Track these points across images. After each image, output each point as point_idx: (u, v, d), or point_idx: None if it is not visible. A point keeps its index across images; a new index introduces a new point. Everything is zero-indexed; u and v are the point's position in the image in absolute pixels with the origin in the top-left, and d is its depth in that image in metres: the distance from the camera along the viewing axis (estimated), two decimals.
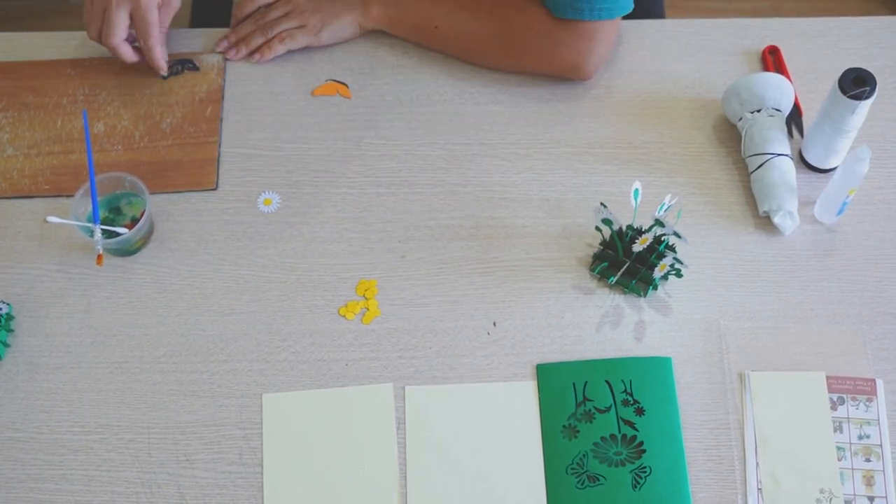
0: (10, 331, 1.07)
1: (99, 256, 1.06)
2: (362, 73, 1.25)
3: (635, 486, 0.98)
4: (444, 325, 1.07)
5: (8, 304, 1.08)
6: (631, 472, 0.98)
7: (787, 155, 1.12)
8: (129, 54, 1.18)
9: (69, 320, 1.08)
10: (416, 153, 1.19)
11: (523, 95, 1.23)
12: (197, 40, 1.28)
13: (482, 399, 1.03)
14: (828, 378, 1.03)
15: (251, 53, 1.25)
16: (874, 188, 1.15)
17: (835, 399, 1.02)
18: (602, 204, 1.04)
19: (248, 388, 1.04)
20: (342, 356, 1.06)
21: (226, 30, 1.28)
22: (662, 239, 1.05)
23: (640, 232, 1.06)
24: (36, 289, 1.10)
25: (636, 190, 1.02)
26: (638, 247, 1.03)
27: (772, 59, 1.25)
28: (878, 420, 1.01)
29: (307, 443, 1.01)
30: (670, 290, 1.09)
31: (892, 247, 1.12)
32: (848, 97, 1.04)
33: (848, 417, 1.01)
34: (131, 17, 1.15)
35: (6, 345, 1.06)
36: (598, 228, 1.07)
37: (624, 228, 1.07)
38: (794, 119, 1.19)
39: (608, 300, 1.09)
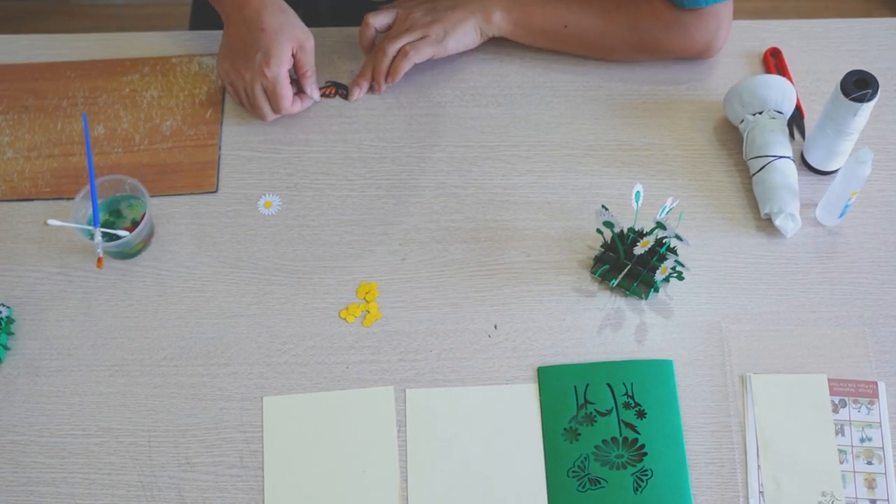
0: (10, 334, 1.06)
1: (99, 259, 1.06)
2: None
3: (637, 490, 0.98)
4: (444, 328, 1.07)
5: (8, 308, 1.07)
6: (632, 475, 0.98)
7: (788, 157, 1.12)
8: (297, 107, 1.19)
9: (69, 323, 1.08)
10: (416, 155, 1.18)
11: (524, 97, 1.23)
12: (196, 42, 1.28)
13: (483, 402, 1.03)
14: (829, 380, 1.03)
15: (380, 81, 1.22)
16: (876, 190, 1.15)
17: (836, 402, 1.02)
18: (603, 206, 1.04)
19: (248, 391, 1.04)
20: (343, 359, 1.05)
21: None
22: (664, 241, 1.05)
23: (641, 234, 1.06)
24: (36, 292, 1.10)
25: (637, 192, 1.02)
26: (640, 249, 1.03)
27: (773, 61, 1.25)
28: (880, 423, 1.01)
29: (308, 446, 1.01)
30: (671, 292, 1.09)
31: (895, 249, 1.12)
32: (850, 100, 1.04)
33: (850, 420, 1.01)
34: (266, 91, 1.15)
35: (6, 348, 1.06)
36: (599, 231, 1.07)
37: (625, 231, 1.07)
38: (796, 121, 1.19)
39: (609, 303, 1.08)
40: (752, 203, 1.14)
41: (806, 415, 1.01)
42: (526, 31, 1.22)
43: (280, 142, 1.20)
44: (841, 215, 1.11)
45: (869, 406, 1.02)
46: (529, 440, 1.01)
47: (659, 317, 1.07)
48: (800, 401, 1.02)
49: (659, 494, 0.97)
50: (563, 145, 1.19)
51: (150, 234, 1.12)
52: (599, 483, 0.98)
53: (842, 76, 1.05)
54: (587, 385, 1.03)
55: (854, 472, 0.99)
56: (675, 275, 1.07)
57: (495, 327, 1.07)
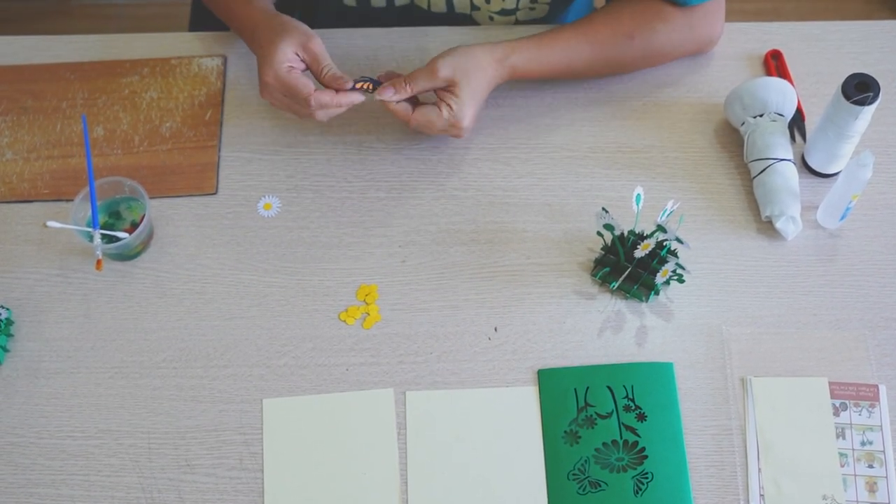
0: (9, 335, 1.06)
1: (98, 261, 1.06)
2: (363, 76, 1.24)
3: (637, 493, 0.97)
4: (444, 330, 1.07)
5: (7, 309, 1.07)
6: (632, 478, 0.98)
7: (789, 160, 1.12)
8: (343, 99, 1.10)
9: (69, 325, 1.08)
10: (416, 157, 1.18)
11: (524, 99, 1.23)
12: (196, 44, 1.28)
13: (483, 404, 1.03)
14: (830, 384, 1.03)
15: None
16: (877, 193, 1.15)
17: (837, 405, 1.02)
18: (603, 209, 1.04)
19: (248, 394, 1.03)
20: (343, 361, 1.05)
21: (224, 33, 1.28)
22: (664, 244, 1.05)
23: (641, 237, 1.06)
24: (35, 293, 1.09)
25: (638, 195, 1.02)
26: (640, 252, 1.03)
27: (774, 64, 1.25)
28: (881, 426, 1.01)
29: (308, 448, 1.01)
30: (672, 295, 1.08)
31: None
32: (851, 102, 1.04)
33: (850, 423, 1.01)
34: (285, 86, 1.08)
35: (6, 350, 1.05)
36: (599, 234, 1.07)
37: (626, 233, 1.07)
38: (797, 124, 1.19)
39: (609, 305, 1.08)
40: (753, 206, 1.14)
41: (807, 418, 1.01)
42: (530, 79, 1.20)
43: (280, 143, 1.20)
44: (842, 218, 1.10)
45: (870, 409, 1.01)
46: (529, 443, 1.01)
47: (659, 319, 1.07)
48: (801, 404, 1.02)
49: (659, 497, 0.97)
50: (563, 147, 1.19)
51: (150, 236, 1.12)
52: (600, 486, 0.98)
53: (843, 78, 1.05)
54: (587, 388, 1.03)
55: (855, 475, 0.99)
56: (675, 277, 1.07)
57: (495, 330, 1.07)
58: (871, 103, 1.04)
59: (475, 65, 1.11)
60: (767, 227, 1.13)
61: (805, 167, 1.16)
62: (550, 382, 1.03)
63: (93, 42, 1.28)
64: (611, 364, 1.04)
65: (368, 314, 1.08)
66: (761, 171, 1.12)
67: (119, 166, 1.18)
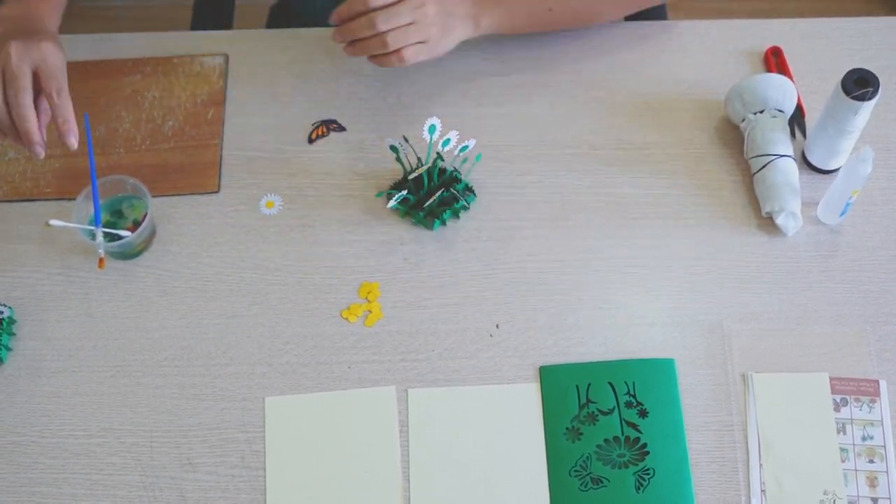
0: (11, 334, 1.06)
1: (101, 260, 1.06)
2: (363, 74, 1.25)
3: (638, 489, 0.98)
4: (446, 328, 1.07)
5: (10, 308, 1.07)
6: (634, 474, 0.98)
7: (789, 156, 1.12)
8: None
9: (71, 324, 1.08)
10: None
11: (525, 96, 1.23)
12: (198, 42, 1.28)
13: (485, 401, 1.03)
14: (831, 379, 1.03)
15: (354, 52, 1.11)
16: (877, 189, 1.15)
17: (838, 400, 1.02)
18: (404, 137, 1.12)
19: (250, 392, 1.04)
20: (344, 359, 1.05)
21: (225, 32, 1.28)
22: (458, 178, 1.12)
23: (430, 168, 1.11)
24: (38, 292, 1.10)
25: (432, 125, 1.07)
26: (413, 174, 1.09)
27: (774, 60, 1.25)
28: (882, 421, 1.01)
29: (310, 446, 1.01)
30: (672, 291, 1.09)
31: None
32: (851, 98, 1.04)
33: (851, 419, 1.01)
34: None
35: (8, 348, 1.06)
36: (399, 160, 1.12)
37: (418, 162, 1.12)
38: (797, 120, 1.19)
39: (610, 305, 1.08)
40: (754, 202, 1.14)
41: (807, 413, 1.01)
42: (512, 26, 1.21)
43: (282, 142, 1.20)
44: (842, 214, 1.11)
45: (870, 404, 1.02)
46: (531, 439, 1.01)
47: (660, 315, 1.07)
48: (801, 399, 1.02)
49: (661, 494, 0.97)
50: (564, 144, 1.19)
51: (152, 235, 1.12)
52: (601, 482, 0.98)
53: (842, 75, 1.05)
54: (589, 384, 1.03)
55: (856, 470, 0.99)
56: (462, 207, 1.12)
57: (497, 326, 1.07)
58: (870, 99, 1.04)
59: None
60: (768, 224, 1.13)
61: (805, 163, 1.17)
62: (552, 379, 1.03)
63: (95, 41, 1.29)
64: (612, 360, 1.04)
65: (370, 312, 1.08)
66: (762, 168, 1.12)
67: (121, 165, 1.18)
